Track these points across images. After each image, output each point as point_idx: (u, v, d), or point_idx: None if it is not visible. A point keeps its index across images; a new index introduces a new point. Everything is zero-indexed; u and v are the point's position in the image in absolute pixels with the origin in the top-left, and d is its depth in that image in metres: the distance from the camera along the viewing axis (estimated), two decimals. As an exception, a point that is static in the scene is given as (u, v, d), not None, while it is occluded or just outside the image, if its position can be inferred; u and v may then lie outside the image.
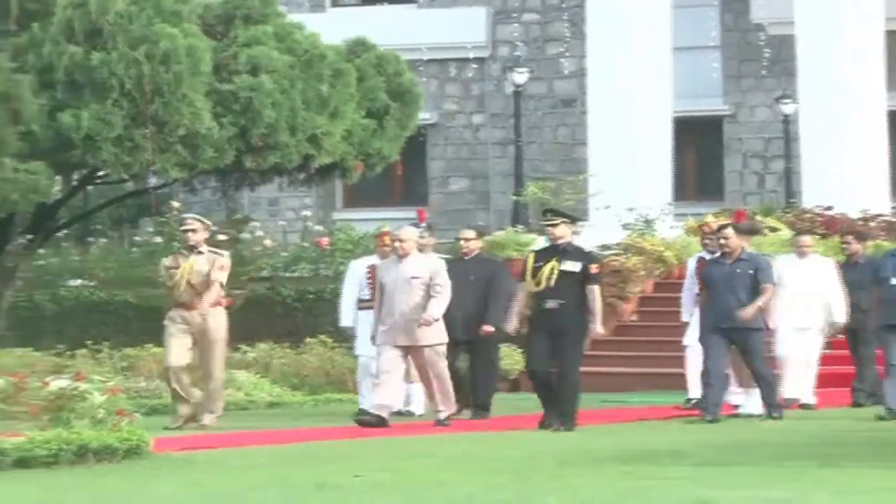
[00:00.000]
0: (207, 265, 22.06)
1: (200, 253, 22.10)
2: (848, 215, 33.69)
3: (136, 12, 29.97)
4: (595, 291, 21.67)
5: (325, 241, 35.52)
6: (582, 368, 22.18)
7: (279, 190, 36.45)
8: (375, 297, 23.16)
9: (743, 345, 22.85)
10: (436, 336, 22.16)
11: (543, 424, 21.49)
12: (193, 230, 22.16)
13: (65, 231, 36.59)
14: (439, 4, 43.57)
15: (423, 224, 26.25)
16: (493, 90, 42.73)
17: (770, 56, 39.52)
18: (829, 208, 34.01)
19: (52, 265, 36.61)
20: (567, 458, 17.45)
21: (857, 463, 16.41)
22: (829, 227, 32.11)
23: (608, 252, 31.26)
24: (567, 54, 41.42)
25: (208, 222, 23.22)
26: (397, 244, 22.79)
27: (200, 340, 22.00)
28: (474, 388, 23.66)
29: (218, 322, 22.09)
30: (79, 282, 35.94)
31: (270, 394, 28.43)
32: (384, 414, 22.19)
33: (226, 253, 22.79)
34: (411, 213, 30.89)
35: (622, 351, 31.02)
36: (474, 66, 43.11)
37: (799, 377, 25.02)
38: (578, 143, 39.04)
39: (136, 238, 38.66)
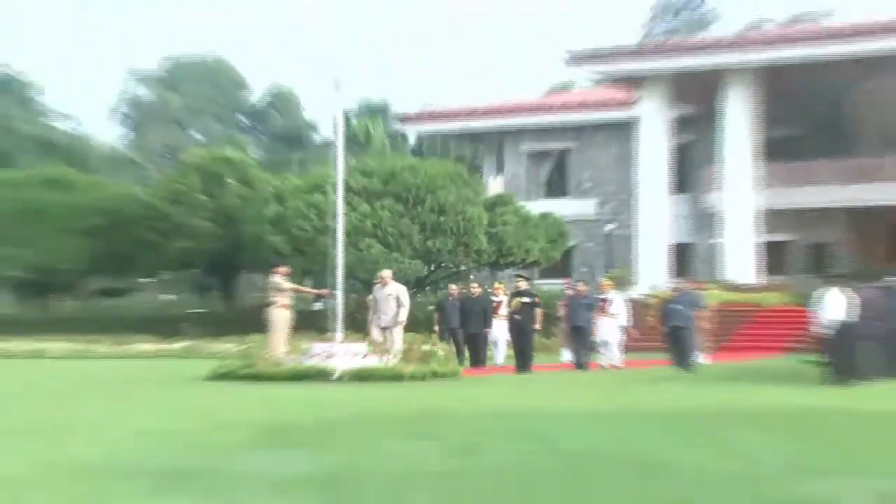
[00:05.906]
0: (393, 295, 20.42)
1: (387, 285, 20.47)
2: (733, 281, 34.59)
3: (455, 201, 33.76)
4: (538, 311, 21.80)
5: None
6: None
7: (513, 270, 35.32)
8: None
9: (581, 336, 22.57)
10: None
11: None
12: (383, 278, 20.93)
13: (427, 288, 36.83)
14: (578, 197, 44.31)
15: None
16: (598, 234, 43.30)
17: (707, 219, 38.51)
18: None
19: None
20: (657, 377, 17.65)
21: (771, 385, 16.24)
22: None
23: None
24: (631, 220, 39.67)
25: (391, 272, 21.58)
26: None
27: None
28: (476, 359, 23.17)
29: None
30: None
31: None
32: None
33: (404, 287, 21.30)
34: (563, 280, 32.86)
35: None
36: (592, 223, 44.02)
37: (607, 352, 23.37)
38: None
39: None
